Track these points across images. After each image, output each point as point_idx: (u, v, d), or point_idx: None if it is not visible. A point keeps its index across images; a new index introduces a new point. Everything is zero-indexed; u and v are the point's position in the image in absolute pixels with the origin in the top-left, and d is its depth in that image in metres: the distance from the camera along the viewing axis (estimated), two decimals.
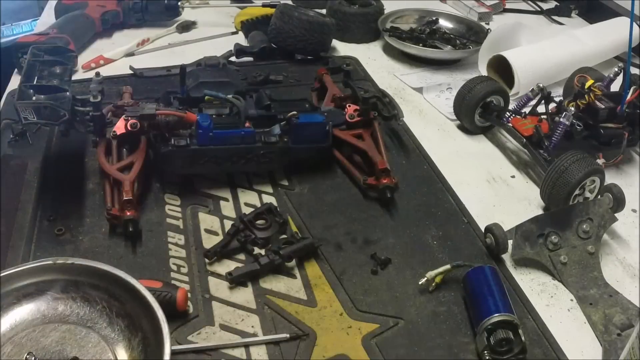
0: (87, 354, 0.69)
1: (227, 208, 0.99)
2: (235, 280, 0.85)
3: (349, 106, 1.10)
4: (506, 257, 0.92)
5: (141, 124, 0.97)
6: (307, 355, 0.76)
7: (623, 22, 1.47)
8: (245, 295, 0.84)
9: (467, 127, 1.22)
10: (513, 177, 1.12)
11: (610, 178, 1.03)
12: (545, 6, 1.81)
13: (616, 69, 1.15)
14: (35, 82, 0.96)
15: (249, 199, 1.01)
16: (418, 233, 0.96)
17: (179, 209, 0.98)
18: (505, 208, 1.04)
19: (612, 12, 1.62)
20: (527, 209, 1.03)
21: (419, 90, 1.37)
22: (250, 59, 1.43)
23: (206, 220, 0.97)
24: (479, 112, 1.20)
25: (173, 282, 0.85)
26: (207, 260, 0.88)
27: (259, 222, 0.94)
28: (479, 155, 1.18)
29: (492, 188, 1.09)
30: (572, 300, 0.87)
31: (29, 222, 0.93)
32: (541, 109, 1.15)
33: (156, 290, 0.77)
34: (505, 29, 1.47)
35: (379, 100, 1.14)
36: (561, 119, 1.06)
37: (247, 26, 1.53)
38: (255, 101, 1.10)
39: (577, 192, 0.96)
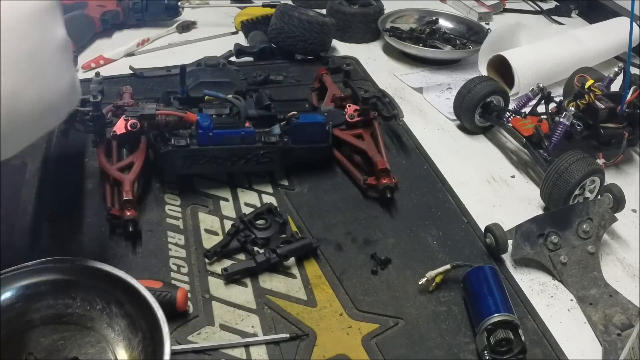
0: (87, 354, 0.69)
1: (227, 208, 0.99)
2: (231, 277, 0.85)
3: (349, 106, 1.10)
4: (506, 257, 0.92)
5: (141, 124, 0.97)
6: (307, 355, 0.76)
7: (623, 22, 1.47)
8: (245, 295, 0.84)
9: (467, 127, 1.22)
10: (513, 177, 1.12)
11: (610, 178, 1.03)
12: (545, 6, 1.81)
13: (616, 69, 1.15)
14: None
15: (249, 199, 1.01)
16: (418, 233, 0.96)
17: (179, 209, 0.98)
18: (505, 208, 1.04)
19: (612, 12, 1.62)
20: (527, 209, 1.03)
21: (419, 90, 1.37)
22: (250, 59, 1.43)
23: (206, 220, 0.97)
24: (479, 112, 1.20)
25: (173, 282, 0.85)
26: (207, 260, 0.89)
27: (259, 222, 0.94)
28: (479, 155, 1.18)
29: (492, 188, 1.09)
30: (572, 300, 0.87)
31: (29, 222, 0.93)
32: (541, 109, 1.15)
33: (156, 290, 0.77)
34: (505, 29, 1.47)
35: (379, 100, 1.14)
36: (561, 119, 1.06)
37: (247, 26, 1.53)
38: (255, 101, 1.10)
39: (577, 192, 0.96)
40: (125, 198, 0.90)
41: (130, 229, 0.90)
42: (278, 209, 0.97)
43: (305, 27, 1.38)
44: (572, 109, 1.06)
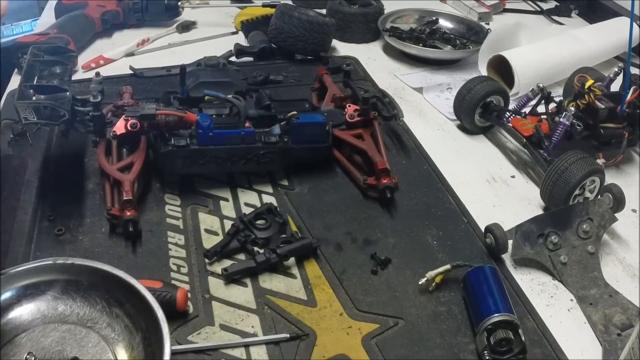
0: (87, 354, 0.69)
1: (227, 208, 0.99)
2: (231, 277, 0.85)
3: (349, 106, 1.10)
4: (506, 257, 0.92)
5: (141, 124, 0.97)
6: (307, 355, 0.76)
7: (623, 22, 1.47)
8: (245, 295, 0.84)
9: (467, 127, 1.22)
10: (513, 177, 1.12)
11: (610, 178, 1.03)
12: (545, 6, 1.81)
13: (616, 69, 1.15)
14: (35, 82, 0.96)
15: (249, 199, 1.01)
16: (418, 233, 0.96)
17: (179, 209, 0.98)
18: (505, 208, 1.04)
19: (612, 12, 1.62)
20: (527, 209, 1.03)
21: (419, 90, 1.37)
22: (250, 59, 1.43)
23: (206, 220, 0.97)
24: (479, 112, 1.20)
25: (173, 282, 0.85)
26: (207, 260, 0.89)
27: (259, 222, 0.94)
28: (479, 155, 1.18)
29: (492, 188, 1.09)
30: (572, 300, 0.87)
31: (29, 222, 0.93)
32: (541, 109, 1.15)
33: (156, 290, 0.77)
34: (505, 29, 1.47)
35: (379, 100, 1.14)
36: (561, 119, 1.06)
37: (247, 26, 1.54)
38: (255, 101, 1.10)
39: (577, 192, 0.96)
40: (125, 198, 0.90)
41: (130, 229, 0.90)
42: (278, 209, 0.97)
43: (305, 27, 1.38)
44: (572, 109, 1.06)
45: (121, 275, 0.72)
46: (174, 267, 0.88)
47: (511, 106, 1.20)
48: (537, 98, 1.15)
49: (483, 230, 0.94)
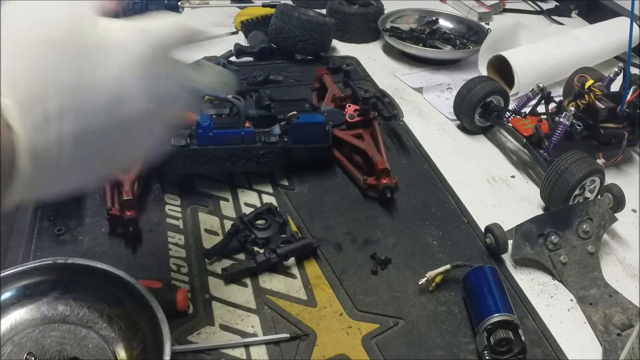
0: (87, 354, 0.69)
1: (227, 208, 0.99)
2: (231, 277, 0.85)
3: (349, 106, 1.10)
4: (506, 257, 0.92)
5: None
6: (307, 355, 0.76)
7: (623, 22, 1.47)
8: (245, 295, 0.84)
9: (467, 127, 1.22)
10: (513, 177, 1.12)
11: (610, 178, 1.03)
12: (545, 6, 1.81)
13: (616, 69, 1.15)
14: None
15: (249, 199, 1.01)
16: (418, 233, 0.96)
17: (179, 209, 0.98)
18: (505, 208, 1.04)
19: (612, 12, 1.62)
20: (527, 209, 1.03)
21: (419, 90, 1.37)
22: (250, 59, 1.43)
23: (206, 220, 0.97)
24: (479, 112, 1.20)
25: (173, 282, 0.85)
26: (207, 260, 0.89)
27: (259, 222, 0.94)
28: (479, 155, 1.18)
29: (492, 188, 1.09)
30: (572, 300, 0.87)
31: (29, 222, 0.93)
32: (541, 109, 1.15)
33: (156, 290, 0.77)
34: (505, 29, 1.47)
35: (379, 100, 1.14)
36: (561, 119, 1.06)
37: (247, 26, 1.54)
38: (255, 101, 1.10)
39: (577, 192, 0.96)
40: (125, 198, 0.90)
41: (130, 229, 0.90)
42: (278, 209, 0.97)
43: (305, 27, 1.38)
44: (572, 109, 1.06)
45: (121, 275, 0.73)
46: (174, 267, 0.87)
47: (511, 106, 1.20)
48: (537, 98, 1.15)
49: (483, 230, 0.94)
